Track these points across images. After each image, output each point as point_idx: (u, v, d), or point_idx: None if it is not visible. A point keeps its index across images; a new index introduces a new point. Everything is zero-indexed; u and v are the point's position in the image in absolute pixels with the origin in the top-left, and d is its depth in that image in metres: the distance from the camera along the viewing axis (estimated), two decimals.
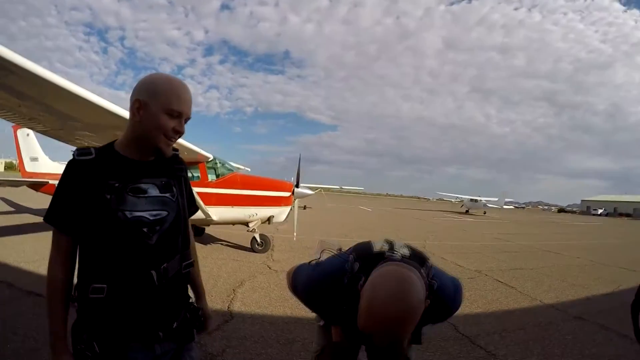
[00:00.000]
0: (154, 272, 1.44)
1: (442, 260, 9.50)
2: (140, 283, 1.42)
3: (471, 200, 46.00)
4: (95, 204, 1.37)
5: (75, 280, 1.46)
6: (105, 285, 1.37)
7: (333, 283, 1.65)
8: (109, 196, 1.38)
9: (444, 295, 1.61)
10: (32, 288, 5.30)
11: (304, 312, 4.95)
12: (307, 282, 1.80)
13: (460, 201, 50.48)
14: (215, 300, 5.27)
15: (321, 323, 1.93)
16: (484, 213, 44.55)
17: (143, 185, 1.46)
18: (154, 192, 1.49)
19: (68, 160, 1.43)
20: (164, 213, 1.49)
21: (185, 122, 1.49)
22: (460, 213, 42.44)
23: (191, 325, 1.63)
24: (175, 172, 1.60)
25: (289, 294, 6.05)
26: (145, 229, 1.43)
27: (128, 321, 1.41)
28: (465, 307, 5.63)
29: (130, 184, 1.43)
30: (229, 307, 5.10)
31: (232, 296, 5.63)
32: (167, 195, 1.52)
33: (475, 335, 4.59)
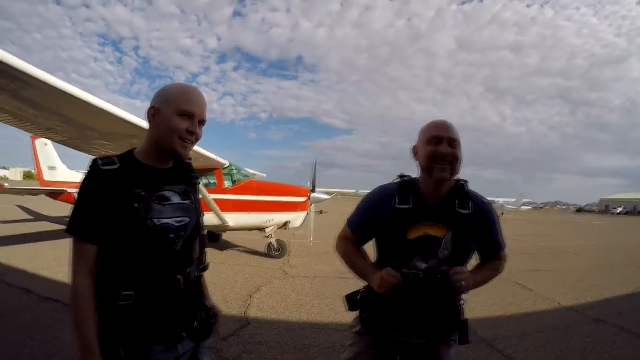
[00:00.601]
0: (180, 277, 1.48)
1: None
2: (167, 288, 1.46)
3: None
4: (123, 213, 1.39)
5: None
6: (133, 292, 1.40)
7: (382, 191, 1.88)
8: (136, 205, 1.40)
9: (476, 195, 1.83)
10: (50, 294, 5.41)
11: (320, 317, 4.98)
12: (359, 205, 1.97)
13: None
14: (231, 305, 5.31)
15: (357, 329, 1.92)
16: (501, 214, 44.07)
17: (166, 193, 1.50)
18: (176, 199, 1.52)
19: (87, 169, 1.43)
20: (187, 219, 1.53)
21: (201, 125, 1.52)
22: None
23: (207, 324, 1.68)
24: (191, 179, 1.64)
25: (305, 299, 6.06)
26: (171, 235, 1.47)
27: (154, 325, 1.45)
28: (483, 310, 5.59)
29: (155, 191, 1.46)
30: (245, 313, 5.12)
31: (248, 302, 5.65)
32: (187, 202, 1.56)
33: (493, 338, 4.53)
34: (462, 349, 1.89)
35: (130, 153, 1.53)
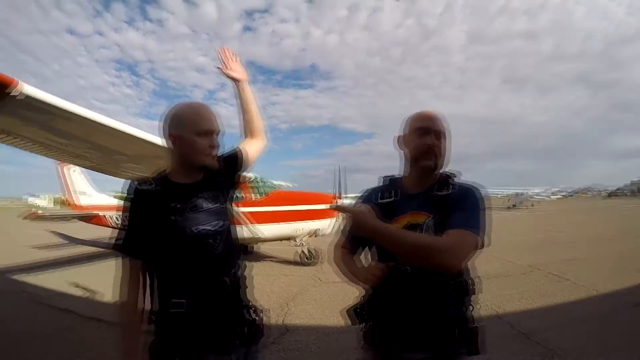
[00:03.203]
0: (227, 279, 1.57)
1: (492, 257, 9.18)
2: (215, 291, 1.54)
3: (517, 194, 44.44)
4: (162, 226, 1.50)
5: (146, 303, 1.57)
6: (184, 300, 1.49)
7: (365, 193, 1.88)
8: (173, 217, 1.52)
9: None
10: (92, 314, 5.61)
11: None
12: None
13: (505, 196, 48.66)
14: (269, 314, 5.34)
15: (362, 344, 1.84)
16: (532, 205, 43.29)
17: (198, 201, 1.60)
18: (207, 205, 1.62)
19: (126, 191, 1.56)
20: (221, 222, 1.63)
21: (219, 135, 1.64)
22: (507, 208, 40.69)
23: (255, 327, 1.71)
24: (217, 184, 1.72)
25: (341, 304, 6.09)
26: (210, 240, 1.57)
27: (207, 332, 1.53)
28: (520, 303, 5.54)
29: (189, 203, 1.57)
30: (283, 321, 5.22)
31: (286, 310, 5.74)
32: (217, 205, 1.66)
33: (532, 331, 4.47)
34: (490, 348, 1.75)
35: (163, 173, 1.65)
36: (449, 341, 1.63)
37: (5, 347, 4.45)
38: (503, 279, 7.04)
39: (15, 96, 3.31)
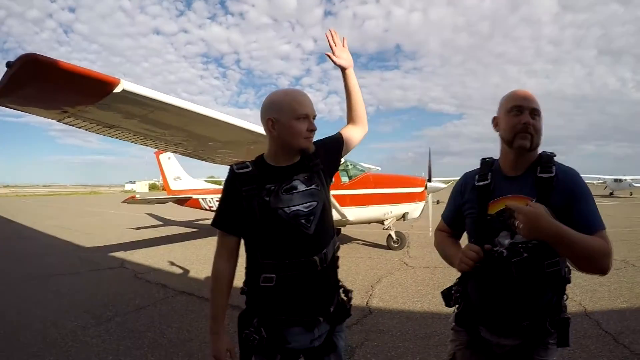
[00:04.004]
0: (316, 258, 1.65)
1: None
2: (305, 269, 1.64)
3: (615, 180, 40.24)
4: (257, 207, 1.63)
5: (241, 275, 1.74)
6: (274, 275, 1.61)
7: (464, 177, 1.87)
8: (267, 198, 1.64)
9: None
10: (184, 289, 6.22)
11: (441, 307, 4.96)
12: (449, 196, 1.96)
13: (602, 182, 44.69)
14: (354, 296, 5.46)
15: (453, 325, 1.89)
16: (631, 194, 39.39)
17: (293, 183, 1.71)
18: (302, 187, 1.71)
19: (227, 173, 1.73)
20: (315, 203, 1.71)
21: (314, 119, 1.73)
22: (603, 196, 37.06)
23: (344, 308, 1.83)
24: (313, 167, 1.79)
25: (426, 289, 6.16)
26: (303, 220, 1.66)
27: (293, 307, 1.64)
28: (610, 302, 5.16)
29: (284, 184, 1.69)
30: (367, 303, 5.34)
31: (370, 292, 5.86)
32: (312, 187, 1.74)
33: (619, 332, 4.15)
34: (572, 347, 1.65)
35: (260, 157, 1.79)
36: (540, 330, 1.61)
37: (114, 314, 5.06)
38: None
39: (118, 93, 3.64)
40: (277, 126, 1.68)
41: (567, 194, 1.54)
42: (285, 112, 1.66)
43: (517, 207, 1.42)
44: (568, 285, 1.66)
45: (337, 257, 1.83)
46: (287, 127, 1.66)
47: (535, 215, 1.36)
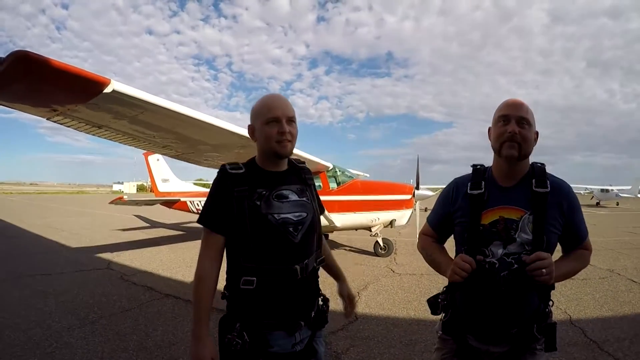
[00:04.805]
0: (297, 267, 1.66)
1: None
2: (285, 276, 1.64)
3: (602, 190, 40.70)
4: (247, 209, 1.63)
5: (223, 279, 1.72)
6: (255, 278, 1.60)
7: (455, 183, 1.87)
8: (258, 202, 1.64)
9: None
10: (170, 292, 6.15)
11: (427, 314, 4.99)
12: (436, 200, 2.01)
13: (589, 192, 44.81)
14: (340, 302, 5.45)
15: (440, 333, 1.89)
16: (617, 204, 39.99)
17: (284, 192, 1.72)
18: (294, 197, 1.73)
19: (218, 172, 1.71)
20: (304, 214, 1.73)
21: (291, 122, 1.72)
22: (590, 206, 37.31)
23: (324, 314, 1.84)
24: (306, 180, 1.85)
25: (412, 296, 6.16)
26: (290, 228, 1.67)
27: (274, 311, 1.64)
28: (595, 310, 5.24)
29: (274, 191, 1.70)
30: None
31: (356, 298, 5.76)
32: (304, 199, 1.77)
33: (604, 340, 4.23)
34: (558, 354, 1.74)
35: (252, 160, 1.80)
36: (527, 336, 1.64)
37: (99, 317, 5.00)
38: (579, 282, 6.61)
39: (108, 93, 3.62)
40: (256, 133, 1.73)
41: (562, 209, 1.65)
42: (258, 118, 1.70)
43: (538, 256, 1.52)
44: (552, 291, 1.69)
45: (319, 268, 1.85)
46: (260, 132, 1.70)
47: (551, 265, 1.52)
